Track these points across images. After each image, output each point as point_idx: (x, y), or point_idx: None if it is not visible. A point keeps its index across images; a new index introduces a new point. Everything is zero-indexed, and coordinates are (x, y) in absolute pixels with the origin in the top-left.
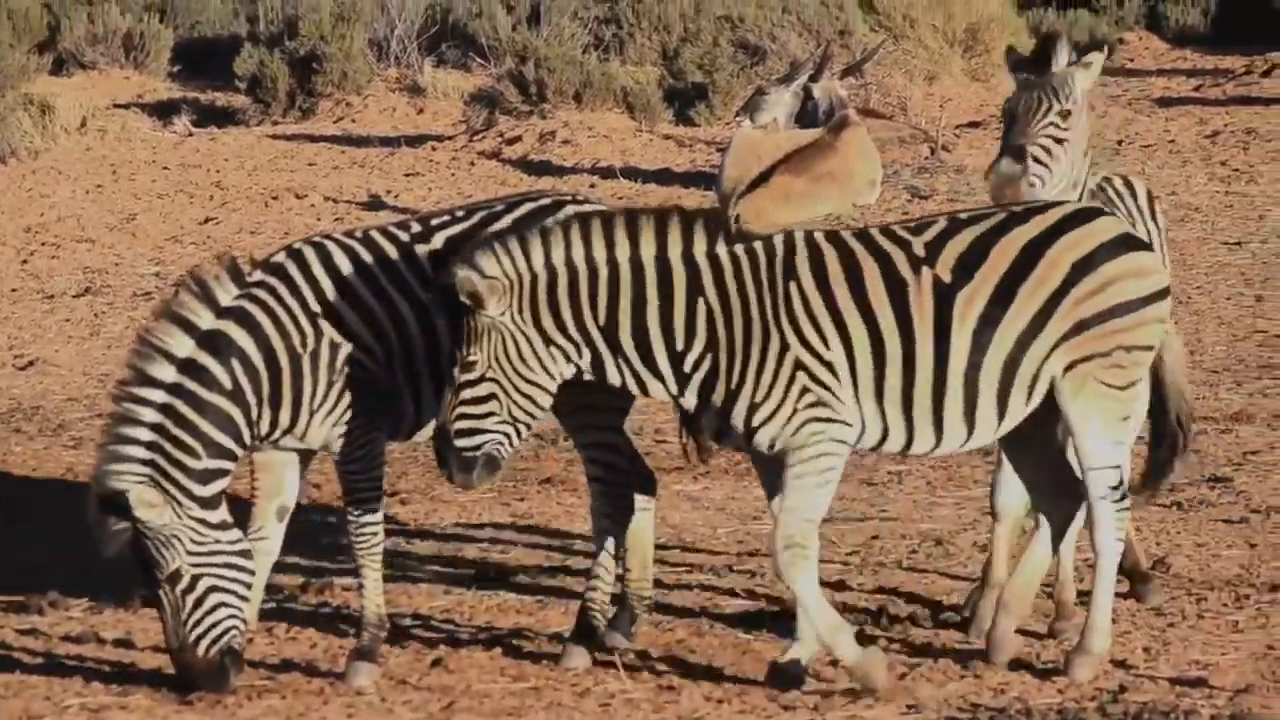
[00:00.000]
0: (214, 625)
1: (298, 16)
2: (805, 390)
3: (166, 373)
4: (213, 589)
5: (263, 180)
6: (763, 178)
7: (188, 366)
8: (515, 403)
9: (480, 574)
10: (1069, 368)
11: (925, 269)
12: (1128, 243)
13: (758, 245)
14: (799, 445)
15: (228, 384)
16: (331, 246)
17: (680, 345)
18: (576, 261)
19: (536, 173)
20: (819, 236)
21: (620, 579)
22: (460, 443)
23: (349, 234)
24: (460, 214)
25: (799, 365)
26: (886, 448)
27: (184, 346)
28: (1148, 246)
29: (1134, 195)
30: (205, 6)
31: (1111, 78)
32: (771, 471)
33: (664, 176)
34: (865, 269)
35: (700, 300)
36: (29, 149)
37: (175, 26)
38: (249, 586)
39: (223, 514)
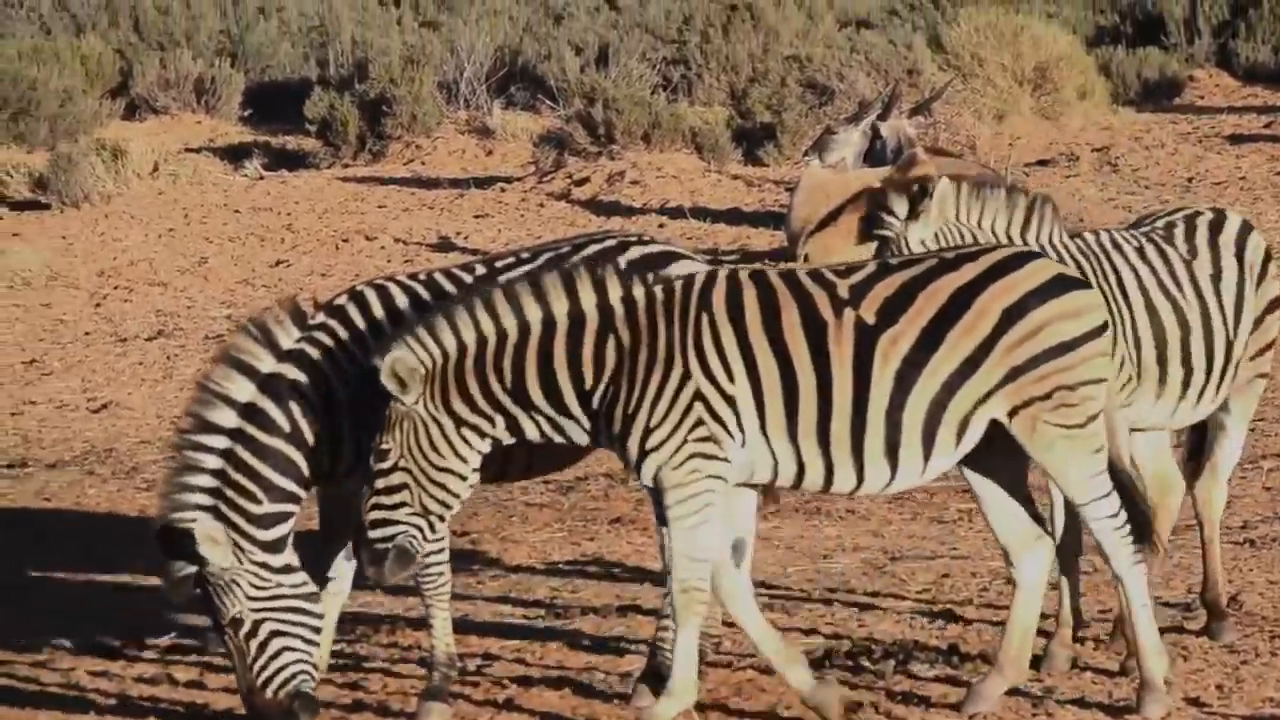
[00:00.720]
0: (280, 669)
1: (368, 60)
2: (699, 423)
3: (227, 418)
4: (276, 633)
5: (333, 223)
6: (831, 217)
7: (249, 411)
8: (427, 492)
9: (551, 613)
10: (1013, 413)
11: (848, 310)
12: (1060, 284)
13: (676, 283)
14: (676, 482)
15: (287, 427)
16: (393, 288)
17: (589, 383)
18: (486, 334)
19: (605, 213)
20: (742, 274)
21: None
22: (373, 534)
23: (412, 276)
24: (525, 255)
25: (698, 396)
26: (806, 485)
27: (245, 391)
28: (1081, 285)
29: (1218, 230)
30: (276, 51)
31: (1182, 115)
32: None
33: (733, 216)
34: (783, 307)
35: (610, 337)
36: (102, 193)
37: (246, 71)
38: (316, 630)
39: (287, 557)
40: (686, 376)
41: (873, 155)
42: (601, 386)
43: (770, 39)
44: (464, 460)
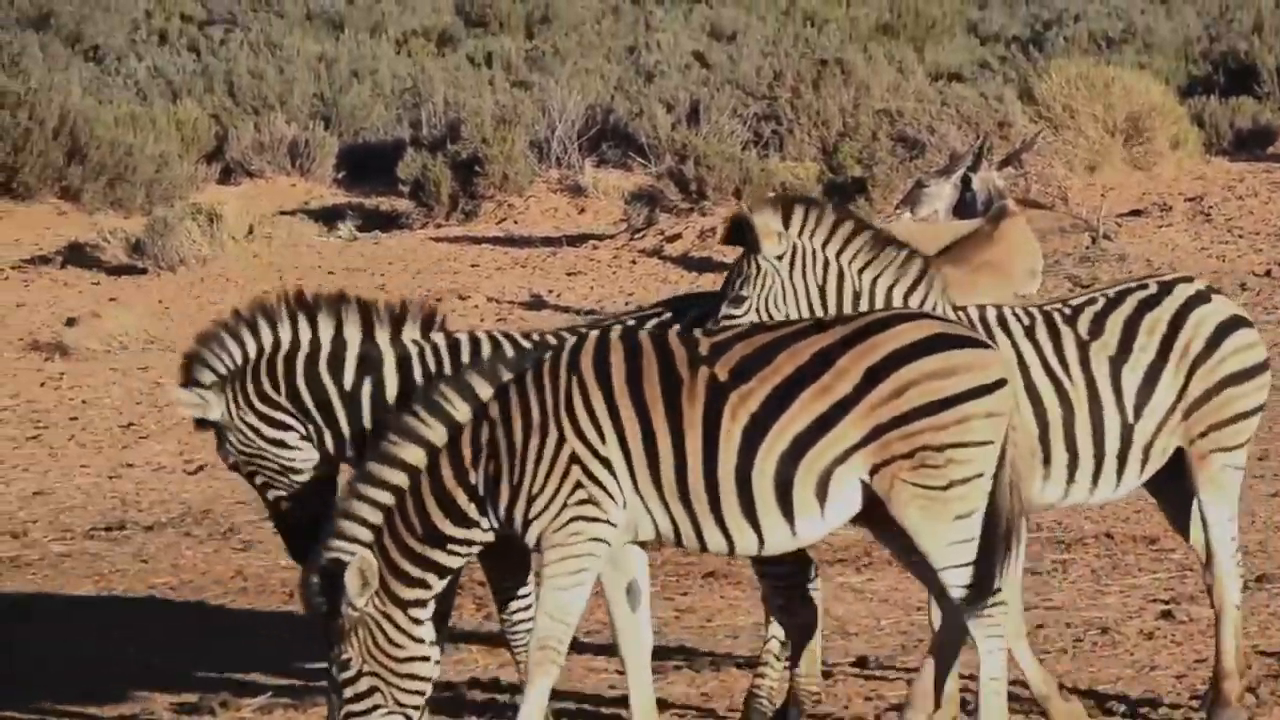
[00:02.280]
0: None
1: (460, 120)
2: (578, 485)
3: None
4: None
5: (426, 282)
6: None
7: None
8: (398, 688)
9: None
10: (873, 471)
11: (703, 368)
12: (936, 343)
13: (547, 351)
14: (556, 544)
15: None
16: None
17: (473, 477)
18: (388, 504)
19: (697, 269)
20: (612, 335)
21: (789, 671)
22: None
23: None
24: (646, 313)
25: (574, 459)
26: (685, 545)
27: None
28: (969, 344)
29: (1148, 307)
30: (369, 113)
31: (1276, 163)
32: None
33: None
34: (645, 367)
35: (484, 423)
36: (197, 257)
37: (340, 133)
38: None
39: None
40: (562, 440)
41: (963, 207)
42: (483, 468)
43: (861, 93)
44: (422, 641)
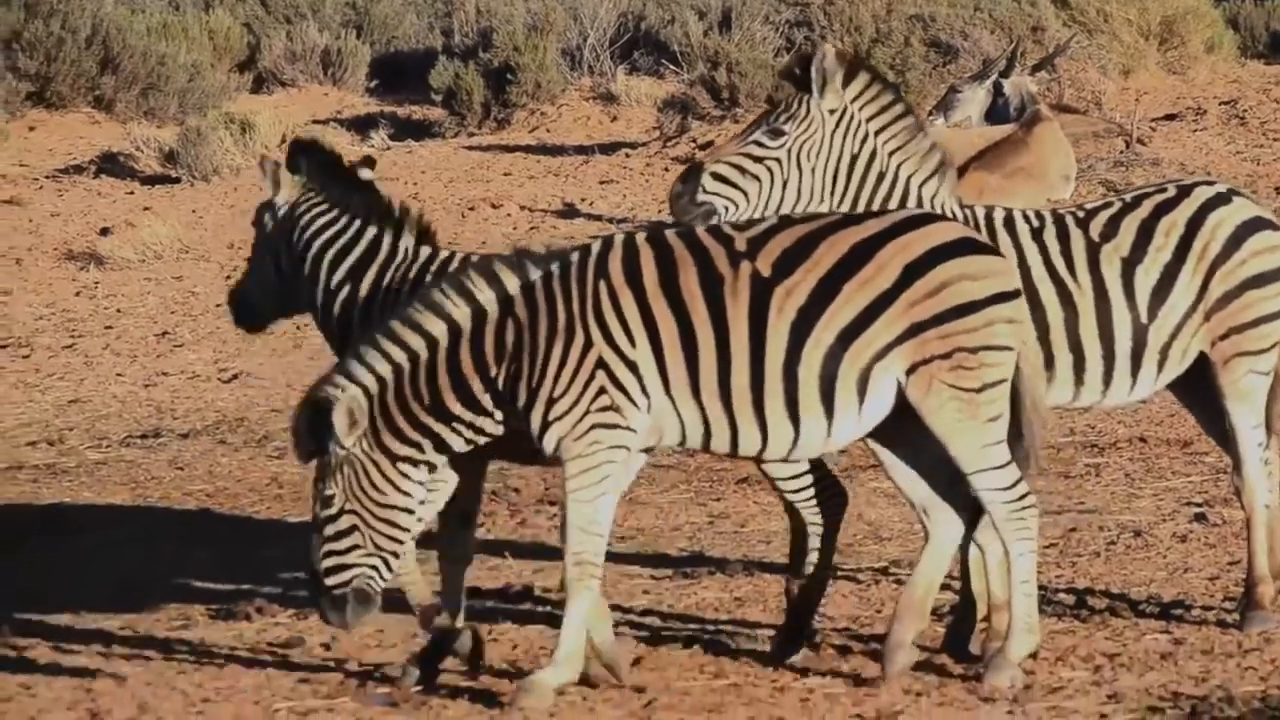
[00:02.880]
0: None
1: (492, 29)
2: (601, 391)
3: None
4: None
5: (459, 191)
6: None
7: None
8: (377, 531)
9: (679, 574)
10: (910, 370)
11: (745, 263)
12: (965, 246)
13: (573, 254)
14: (577, 454)
15: None
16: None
17: (493, 370)
18: (400, 362)
19: None
20: (639, 238)
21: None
22: (329, 581)
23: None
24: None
25: (600, 364)
26: (714, 448)
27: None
28: (989, 250)
29: (1165, 210)
30: (401, 22)
31: None
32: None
33: None
34: (680, 267)
35: (510, 321)
36: (231, 167)
37: (372, 42)
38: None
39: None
40: (588, 345)
41: (996, 113)
42: (504, 366)
43: None
44: (407, 495)
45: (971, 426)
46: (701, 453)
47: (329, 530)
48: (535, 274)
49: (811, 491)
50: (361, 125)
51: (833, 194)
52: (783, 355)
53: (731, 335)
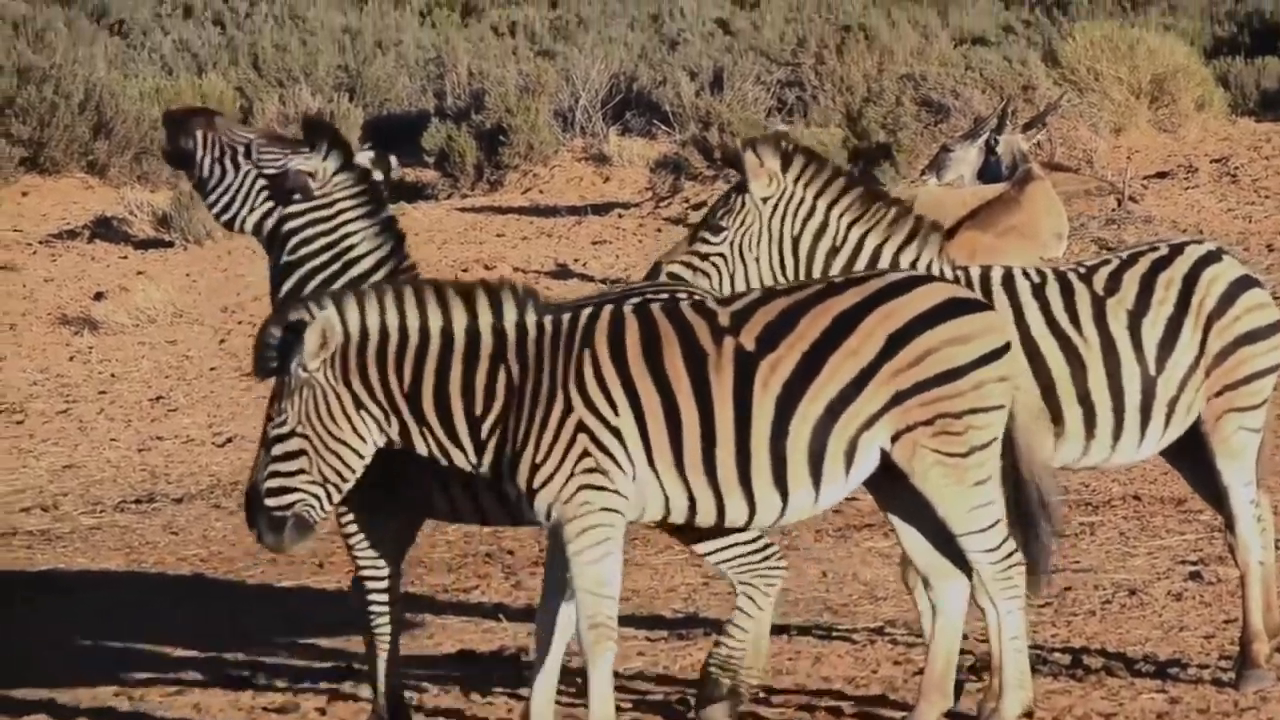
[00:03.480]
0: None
1: (484, 90)
2: (585, 454)
3: None
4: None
5: (452, 253)
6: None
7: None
8: (324, 460)
9: (674, 635)
10: (895, 438)
11: (728, 338)
12: (951, 308)
13: (564, 316)
14: (570, 517)
15: None
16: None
17: (479, 410)
18: (390, 328)
19: None
20: (625, 309)
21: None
22: (270, 502)
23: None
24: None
25: (581, 428)
26: (700, 520)
27: None
28: (978, 307)
29: (1163, 266)
30: (393, 84)
31: None
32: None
33: None
34: (664, 338)
35: (501, 366)
36: (224, 231)
37: (364, 105)
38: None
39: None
40: (569, 410)
41: (988, 171)
42: (491, 418)
43: (884, 58)
44: (361, 438)
45: (958, 491)
46: (688, 524)
47: (277, 450)
48: (530, 319)
49: (744, 555)
50: None
51: (784, 276)
52: (769, 429)
53: (716, 410)
